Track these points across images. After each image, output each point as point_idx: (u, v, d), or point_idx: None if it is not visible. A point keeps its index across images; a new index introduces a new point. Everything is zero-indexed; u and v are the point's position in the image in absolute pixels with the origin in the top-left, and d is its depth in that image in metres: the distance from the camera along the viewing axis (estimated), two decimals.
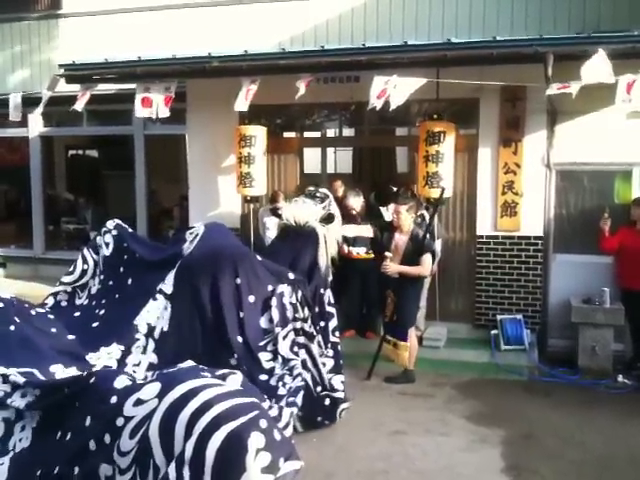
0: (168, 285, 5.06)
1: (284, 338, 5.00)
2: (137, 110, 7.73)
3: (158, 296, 5.03)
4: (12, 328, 4.42)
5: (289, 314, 5.13)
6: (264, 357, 4.98)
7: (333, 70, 7.41)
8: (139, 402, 3.22)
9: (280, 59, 7.12)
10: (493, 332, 7.48)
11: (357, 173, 10.46)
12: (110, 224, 5.95)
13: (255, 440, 2.91)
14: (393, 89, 6.42)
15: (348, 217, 7.41)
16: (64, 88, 8.46)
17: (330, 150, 10.53)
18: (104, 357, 4.66)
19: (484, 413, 5.97)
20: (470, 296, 8.02)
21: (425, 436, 5.47)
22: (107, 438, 3.26)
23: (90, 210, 12.04)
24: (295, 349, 5.09)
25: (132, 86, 8.31)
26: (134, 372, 4.45)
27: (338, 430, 5.55)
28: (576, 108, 7.14)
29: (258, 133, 8.11)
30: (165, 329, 4.92)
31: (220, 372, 3.57)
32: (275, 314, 5.03)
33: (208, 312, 4.99)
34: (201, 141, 8.91)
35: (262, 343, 5.06)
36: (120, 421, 3.22)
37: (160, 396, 3.16)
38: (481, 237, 7.84)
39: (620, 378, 6.76)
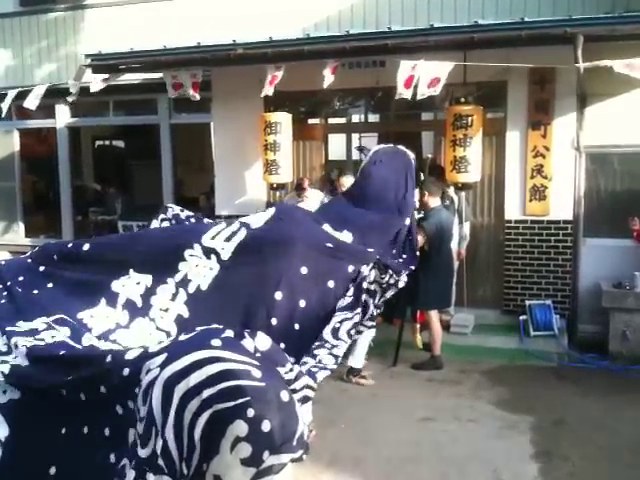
0: (226, 251, 4.72)
1: (348, 320, 4.93)
2: (170, 92, 7.93)
3: (212, 256, 4.72)
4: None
5: (363, 297, 5.08)
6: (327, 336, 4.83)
7: (358, 55, 7.32)
8: (148, 371, 3.22)
9: (305, 45, 7.08)
10: (522, 318, 7.41)
11: None
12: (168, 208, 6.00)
13: (236, 428, 2.87)
14: (420, 76, 6.35)
15: None
16: (90, 79, 8.50)
17: (355, 136, 10.48)
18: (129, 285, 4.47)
19: (513, 400, 5.93)
20: (498, 281, 7.95)
21: (454, 423, 5.45)
22: (126, 408, 3.25)
23: (118, 200, 12.15)
24: (352, 332, 5.03)
25: (157, 75, 8.37)
26: (162, 318, 4.34)
27: (366, 416, 5.56)
28: (606, 90, 7.03)
29: (283, 120, 8.09)
30: (203, 288, 4.64)
31: (247, 331, 3.54)
32: (347, 300, 4.96)
33: (261, 296, 4.72)
34: (226, 129, 8.92)
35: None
36: (136, 390, 3.23)
37: (162, 366, 3.17)
38: (509, 222, 7.76)
39: None
